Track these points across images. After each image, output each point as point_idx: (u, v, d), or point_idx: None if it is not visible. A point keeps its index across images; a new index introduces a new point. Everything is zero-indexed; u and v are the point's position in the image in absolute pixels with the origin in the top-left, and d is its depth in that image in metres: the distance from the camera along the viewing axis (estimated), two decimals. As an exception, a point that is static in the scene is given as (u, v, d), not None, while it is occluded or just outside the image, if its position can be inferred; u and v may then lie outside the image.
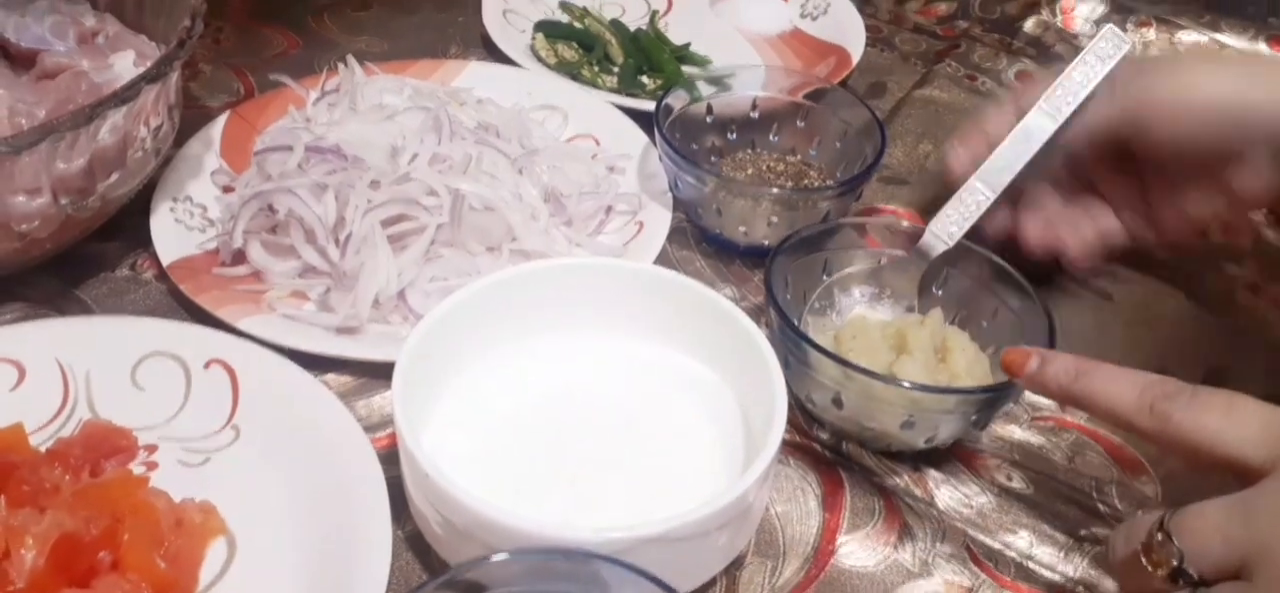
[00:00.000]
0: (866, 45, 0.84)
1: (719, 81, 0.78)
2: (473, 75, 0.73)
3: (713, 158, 0.68)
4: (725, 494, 0.40)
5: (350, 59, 0.67)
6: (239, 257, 0.57)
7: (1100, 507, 0.51)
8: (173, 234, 0.59)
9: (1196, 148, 0.54)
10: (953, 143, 0.61)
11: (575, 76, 0.77)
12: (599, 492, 0.45)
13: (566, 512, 0.44)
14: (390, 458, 0.46)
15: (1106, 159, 0.59)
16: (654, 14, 0.88)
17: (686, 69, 0.80)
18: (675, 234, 0.64)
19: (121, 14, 0.64)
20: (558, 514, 0.42)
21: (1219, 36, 0.88)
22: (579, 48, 0.81)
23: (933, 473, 0.51)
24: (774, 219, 0.61)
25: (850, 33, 0.85)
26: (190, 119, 0.64)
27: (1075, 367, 0.44)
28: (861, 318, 0.56)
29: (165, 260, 0.57)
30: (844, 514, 0.49)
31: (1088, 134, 0.57)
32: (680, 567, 0.41)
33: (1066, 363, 0.45)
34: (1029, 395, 0.55)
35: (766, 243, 0.62)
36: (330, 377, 0.53)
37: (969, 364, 0.51)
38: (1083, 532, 0.49)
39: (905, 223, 0.62)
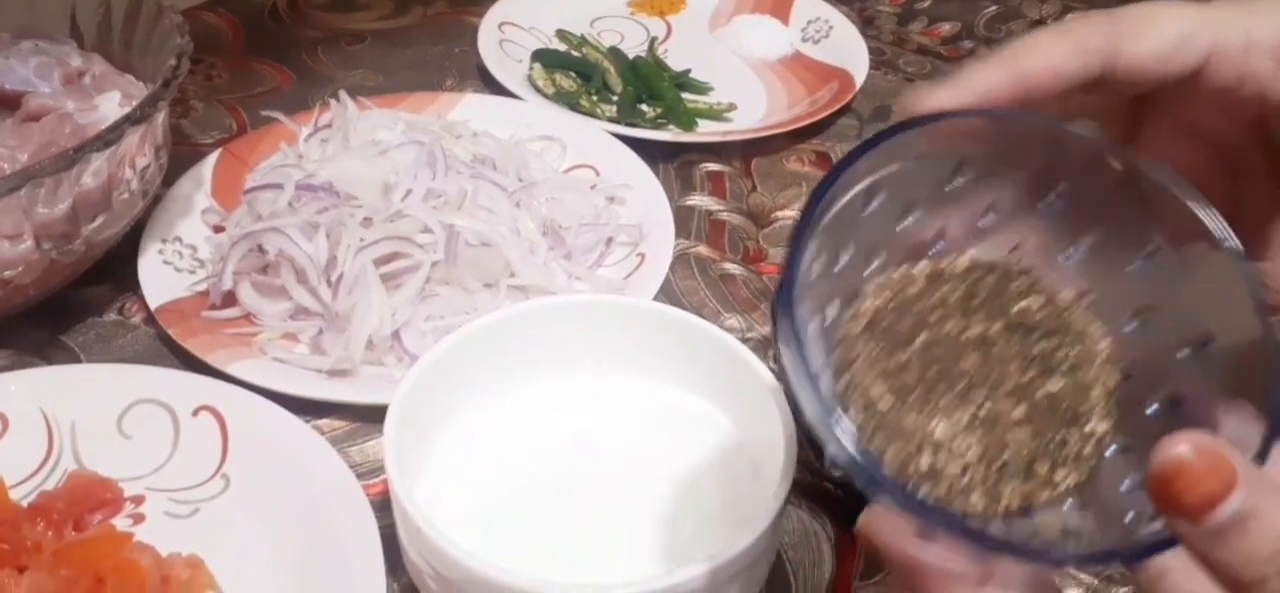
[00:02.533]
0: (870, 68, 0.82)
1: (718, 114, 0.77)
2: (469, 107, 0.71)
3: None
4: (734, 545, 0.38)
5: (343, 94, 0.66)
6: (229, 299, 0.56)
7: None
8: (161, 277, 0.57)
9: None
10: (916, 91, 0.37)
11: (573, 106, 0.76)
12: (602, 544, 0.43)
13: (568, 567, 0.42)
14: (385, 506, 0.44)
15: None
16: (653, 41, 0.87)
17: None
18: (678, 263, 0.63)
19: (108, 54, 0.63)
20: (559, 570, 0.40)
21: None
22: (577, 77, 0.80)
23: (949, 511, 0.49)
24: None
25: (853, 56, 0.84)
26: (181, 157, 0.63)
27: None
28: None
29: (153, 304, 0.55)
30: (858, 560, 0.47)
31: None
32: (688, 621, 0.40)
33: None
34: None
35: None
36: (323, 422, 0.51)
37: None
38: (1106, 573, 0.47)
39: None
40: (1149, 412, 0.33)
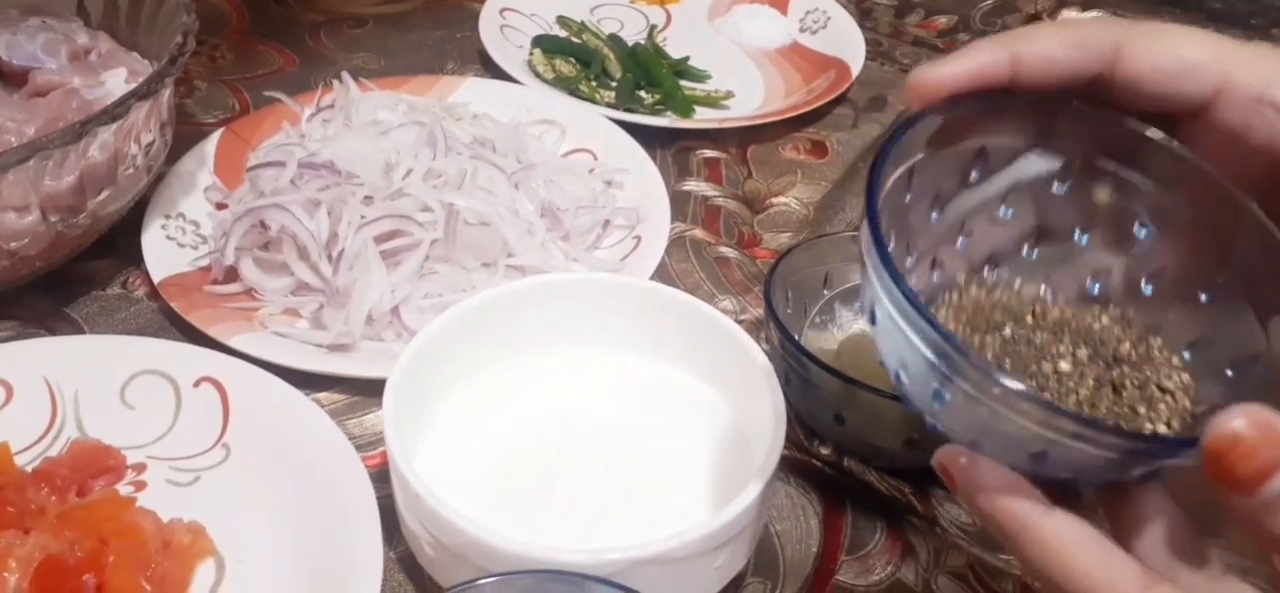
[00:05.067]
0: (866, 59, 0.83)
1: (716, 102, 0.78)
2: (469, 91, 0.72)
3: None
4: (723, 515, 0.39)
5: (345, 75, 0.67)
6: (231, 274, 0.57)
7: (1107, 522, 0.49)
8: (164, 251, 0.58)
9: None
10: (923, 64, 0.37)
11: (573, 91, 0.76)
12: (595, 512, 0.44)
13: (561, 533, 0.43)
14: (382, 477, 0.45)
15: None
16: (652, 28, 0.87)
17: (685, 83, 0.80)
18: (674, 246, 0.63)
19: (114, 32, 0.64)
20: (553, 536, 0.41)
21: (1222, 48, 0.87)
22: (577, 63, 0.80)
23: (936, 491, 0.50)
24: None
25: (850, 46, 0.84)
26: (184, 135, 0.64)
27: None
28: (863, 332, 0.55)
29: (156, 278, 0.56)
30: (845, 534, 0.48)
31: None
32: (678, 588, 0.40)
33: None
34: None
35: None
36: (322, 395, 0.52)
37: None
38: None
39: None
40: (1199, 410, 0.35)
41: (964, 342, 0.33)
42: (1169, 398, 0.35)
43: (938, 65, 0.35)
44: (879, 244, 0.32)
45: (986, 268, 0.39)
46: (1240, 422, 0.26)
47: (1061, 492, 0.32)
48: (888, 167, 0.34)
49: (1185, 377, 0.35)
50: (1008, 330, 0.37)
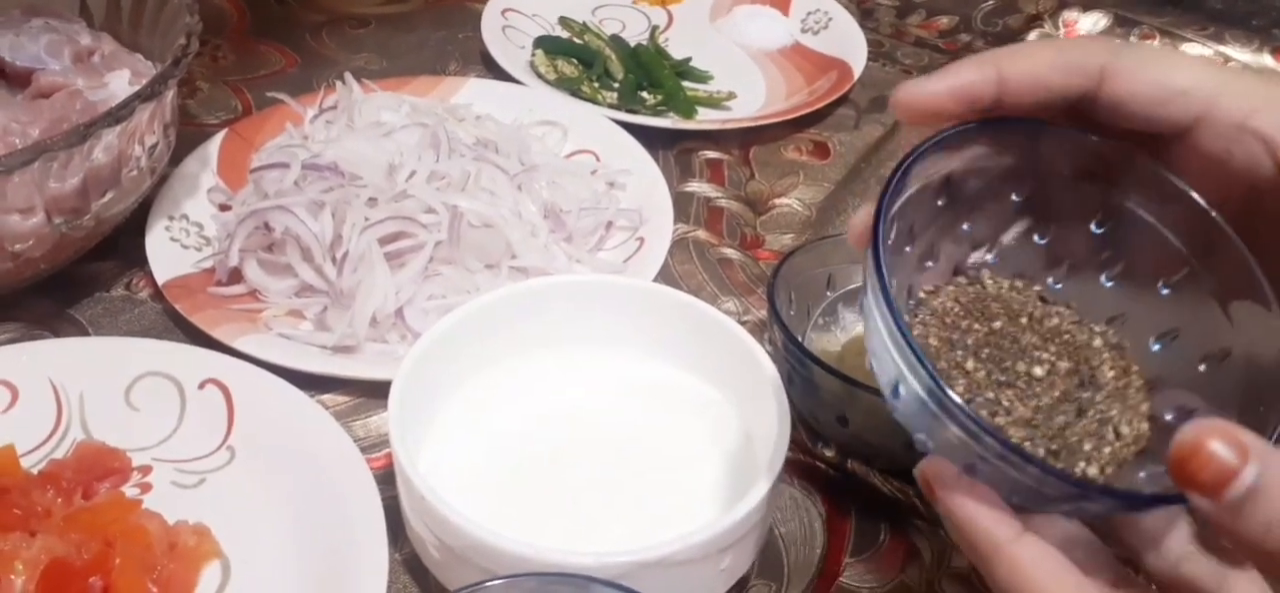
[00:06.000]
0: (868, 59, 0.83)
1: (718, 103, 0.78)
2: (472, 92, 0.72)
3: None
4: (727, 517, 0.39)
5: (348, 76, 0.67)
6: (235, 275, 0.57)
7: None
8: (168, 253, 0.58)
9: None
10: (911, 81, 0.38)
11: (575, 92, 0.76)
12: (600, 514, 0.44)
13: (566, 535, 0.43)
14: (387, 479, 0.45)
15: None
16: (654, 29, 0.87)
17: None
18: (677, 248, 0.63)
19: (118, 33, 0.64)
20: (557, 538, 0.41)
21: (1223, 49, 0.87)
22: (579, 64, 0.80)
23: (939, 492, 0.50)
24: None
25: (852, 47, 0.85)
26: (187, 137, 0.64)
27: None
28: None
29: (161, 279, 0.56)
30: (849, 535, 0.48)
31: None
32: (682, 591, 0.41)
33: None
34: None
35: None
36: (327, 397, 0.52)
37: None
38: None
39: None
40: (1167, 418, 0.36)
41: (911, 331, 0.34)
42: (1117, 444, 0.35)
43: (923, 83, 0.36)
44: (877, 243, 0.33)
45: (998, 261, 0.40)
46: (1200, 428, 0.27)
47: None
48: (889, 209, 0.35)
49: (1144, 427, 0.36)
50: (998, 324, 0.38)
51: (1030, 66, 0.36)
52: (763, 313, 0.60)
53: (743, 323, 0.50)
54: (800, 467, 0.51)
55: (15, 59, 0.61)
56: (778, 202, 0.70)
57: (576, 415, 0.49)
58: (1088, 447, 0.35)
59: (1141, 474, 0.35)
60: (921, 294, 0.39)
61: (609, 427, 0.48)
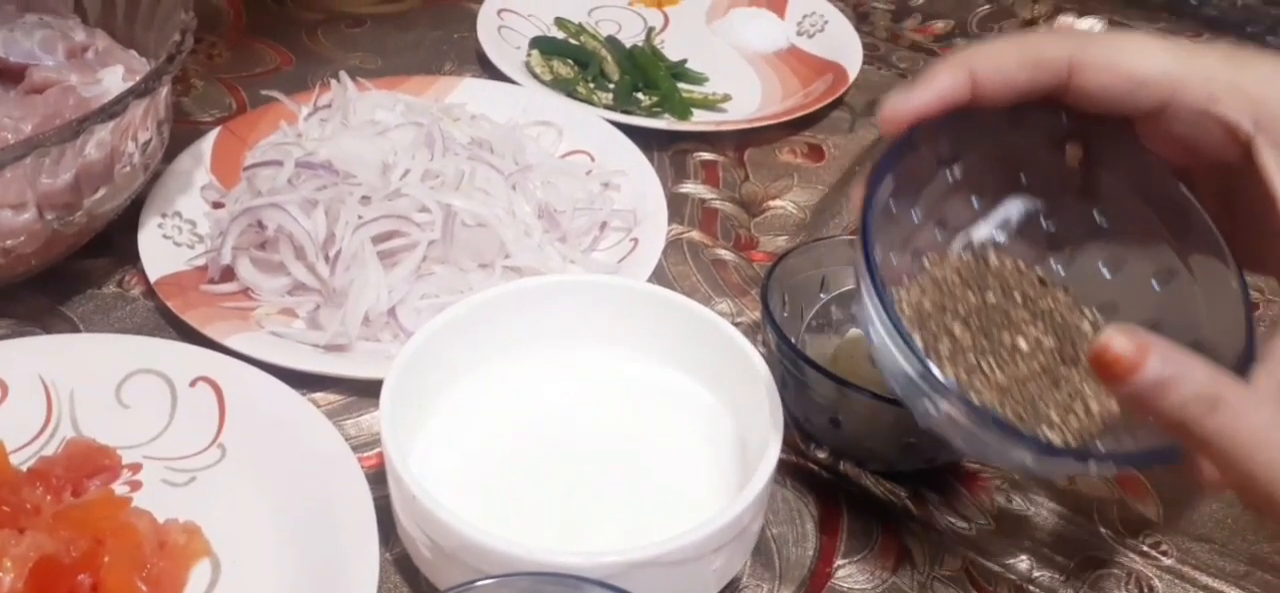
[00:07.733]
0: (863, 63, 0.83)
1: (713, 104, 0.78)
2: (467, 91, 0.72)
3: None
4: (719, 517, 0.39)
5: (343, 75, 0.67)
6: (228, 273, 0.57)
7: (1102, 529, 0.50)
8: (161, 250, 0.58)
9: None
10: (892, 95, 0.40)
11: (571, 93, 0.76)
12: (591, 514, 0.44)
13: (558, 535, 0.43)
14: (379, 478, 0.45)
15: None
16: (650, 31, 0.87)
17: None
18: (671, 249, 0.63)
19: (112, 29, 0.64)
20: (549, 538, 0.41)
21: (1217, 55, 0.87)
22: (574, 64, 0.80)
23: (932, 495, 0.50)
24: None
25: (847, 50, 0.85)
26: (181, 134, 0.64)
27: (1214, 390, 0.31)
28: (860, 336, 0.55)
29: (153, 277, 0.56)
30: (841, 537, 0.48)
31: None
32: (674, 591, 0.41)
33: (1201, 378, 0.31)
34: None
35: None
36: (319, 395, 0.52)
37: None
38: (1084, 554, 0.48)
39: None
40: None
41: (886, 285, 0.36)
42: (1085, 419, 0.38)
43: (904, 97, 0.38)
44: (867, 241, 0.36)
45: (1006, 241, 0.42)
46: (1112, 330, 0.32)
47: None
48: (877, 198, 0.37)
49: (1113, 406, 0.38)
50: (992, 297, 0.40)
51: (999, 66, 0.37)
52: (756, 315, 0.59)
53: (736, 324, 0.50)
54: (793, 468, 0.51)
55: (9, 54, 0.61)
56: (772, 204, 0.70)
57: (569, 416, 0.49)
58: (1055, 416, 0.37)
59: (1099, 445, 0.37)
60: (926, 262, 0.41)
61: (601, 427, 0.48)
